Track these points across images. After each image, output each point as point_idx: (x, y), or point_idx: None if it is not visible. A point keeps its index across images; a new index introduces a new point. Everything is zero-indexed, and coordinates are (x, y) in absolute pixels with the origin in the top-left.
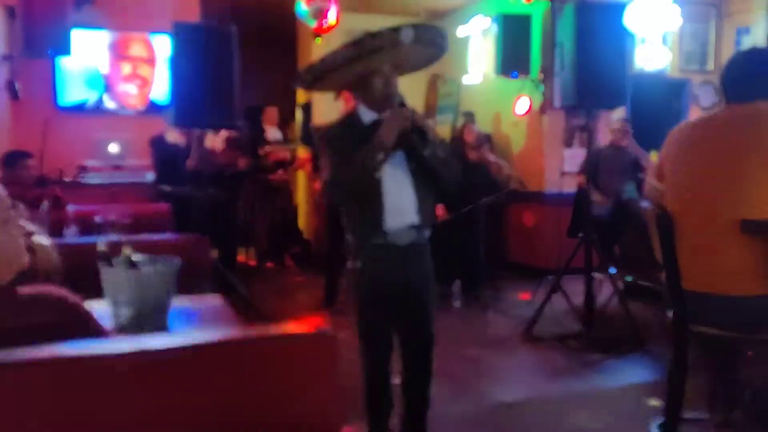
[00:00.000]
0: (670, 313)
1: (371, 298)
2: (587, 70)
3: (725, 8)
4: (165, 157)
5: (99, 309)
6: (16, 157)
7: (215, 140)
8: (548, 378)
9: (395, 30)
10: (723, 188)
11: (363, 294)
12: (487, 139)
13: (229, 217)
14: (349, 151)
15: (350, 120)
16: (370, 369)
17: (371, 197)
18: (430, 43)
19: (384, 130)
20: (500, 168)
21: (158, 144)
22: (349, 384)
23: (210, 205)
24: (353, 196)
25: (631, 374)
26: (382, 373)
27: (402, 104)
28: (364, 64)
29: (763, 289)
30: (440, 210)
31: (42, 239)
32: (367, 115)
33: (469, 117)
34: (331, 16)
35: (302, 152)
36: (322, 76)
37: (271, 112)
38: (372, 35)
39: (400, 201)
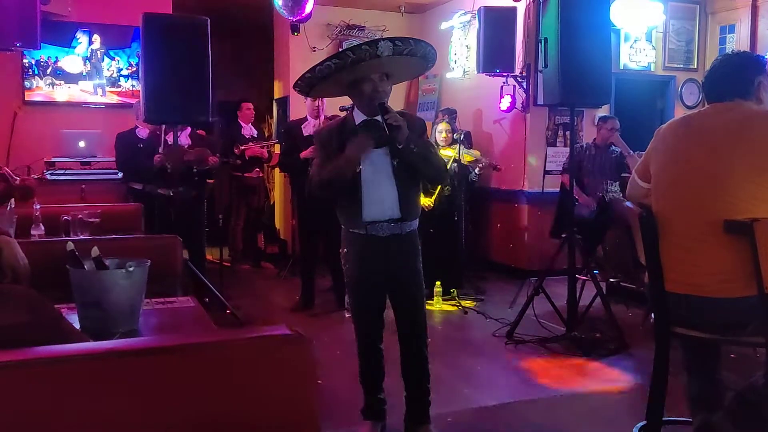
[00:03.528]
0: (653, 315)
1: (355, 282)
2: (571, 67)
3: (709, 6)
4: (132, 153)
5: (67, 311)
6: None
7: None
8: (530, 381)
9: (373, 43)
10: (706, 187)
11: (349, 277)
12: (465, 137)
13: (198, 216)
14: (333, 152)
15: (345, 121)
16: (361, 342)
17: (351, 190)
18: (415, 53)
19: (352, 148)
20: (476, 162)
21: (124, 140)
22: (326, 387)
23: (179, 203)
24: (329, 195)
25: (614, 377)
26: (371, 346)
27: (382, 105)
28: (352, 73)
29: (746, 290)
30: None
31: (8, 238)
32: (360, 117)
33: (451, 114)
34: (308, 9)
35: (279, 150)
36: (314, 85)
37: (247, 109)
38: (351, 49)
39: (379, 195)
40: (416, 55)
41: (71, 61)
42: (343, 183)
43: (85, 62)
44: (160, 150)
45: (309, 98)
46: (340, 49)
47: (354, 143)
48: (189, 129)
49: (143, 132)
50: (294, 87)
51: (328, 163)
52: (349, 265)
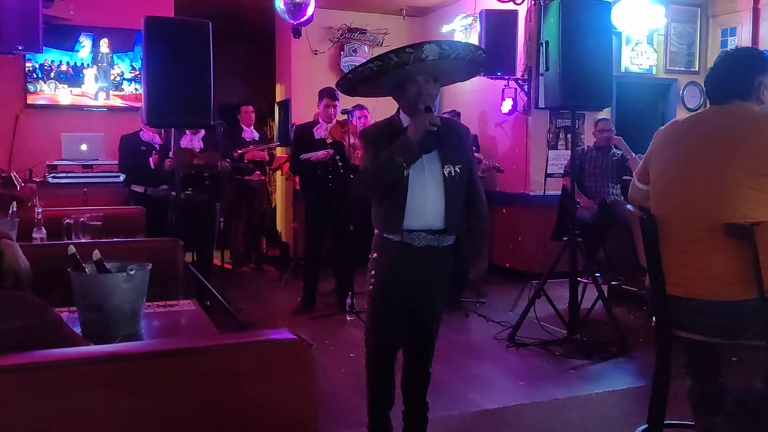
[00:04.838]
0: (654, 318)
1: (380, 291)
2: (572, 70)
3: (711, 9)
4: (134, 156)
5: (68, 315)
6: None
7: (193, 140)
8: (532, 384)
9: (419, 47)
10: (706, 190)
11: (374, 285)
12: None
13: (210, 220)
14: (382, 149)
15: (391, 122)
16: (373, 362)
17: (395, 195)
18: (463, 58)
19: (410, 131)
20: (479, 162)
21: (128, 143)
22: (326, 389)
23: (187, 207)
24: (378, 190)
25: (616, 380)
26: (384, 368)
27: (428, 109)
28: (396, 75)
29: (747, 294)
30: None
31: (9, 241)
32: (406, 120)
33: (454, 116)
34: (310, 12)
35: (281, 152)
36: (356, 85)
37: (246, 112)
38: (395, 52)
39: (423, 204)
40: (464, 60)
41: (79, 66)
42: (397, 173)
43: (89, 65)
44: (171, 154)
45: (323, 103)
46: (384, 53)
47: (411, 125)
48: (203, 132)
49: (147, 135)
50: (336, 86)
51: (381, 157)
52: (376, 272)
